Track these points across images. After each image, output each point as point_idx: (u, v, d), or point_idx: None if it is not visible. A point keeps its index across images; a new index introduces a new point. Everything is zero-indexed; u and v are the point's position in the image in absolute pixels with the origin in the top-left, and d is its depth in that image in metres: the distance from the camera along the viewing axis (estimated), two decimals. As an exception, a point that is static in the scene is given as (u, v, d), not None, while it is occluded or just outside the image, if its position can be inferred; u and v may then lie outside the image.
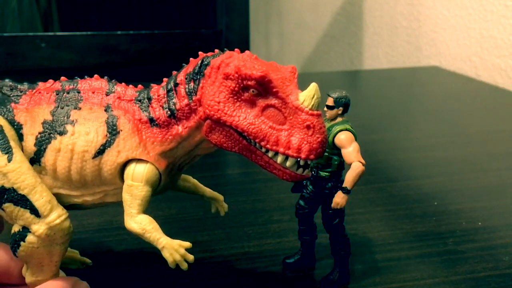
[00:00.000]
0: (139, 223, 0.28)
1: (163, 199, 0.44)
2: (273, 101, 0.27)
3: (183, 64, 0.30)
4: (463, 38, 1.01)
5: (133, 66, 1.05)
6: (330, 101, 0.32)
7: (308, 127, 0.26)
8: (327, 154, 0.32)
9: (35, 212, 0.27)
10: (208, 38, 1.09)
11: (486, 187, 0.48)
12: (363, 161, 0.30)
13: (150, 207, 0.29)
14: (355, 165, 0.30)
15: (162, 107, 0.29)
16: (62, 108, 0.29)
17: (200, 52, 0.29)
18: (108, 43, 1.03)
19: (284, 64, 0.35)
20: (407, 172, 0.53)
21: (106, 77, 0.31)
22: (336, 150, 0.31)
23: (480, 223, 0.41)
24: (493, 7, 0.93)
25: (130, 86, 0.31)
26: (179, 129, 0.29)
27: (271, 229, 0.41)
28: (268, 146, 0.26)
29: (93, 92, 0.30)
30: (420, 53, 1.15)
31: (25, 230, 0.27)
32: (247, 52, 0.29)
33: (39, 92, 0.30)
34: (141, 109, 0.29)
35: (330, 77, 1.01)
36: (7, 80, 0.30)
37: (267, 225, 0.41)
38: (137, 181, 0.28)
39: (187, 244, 0.28)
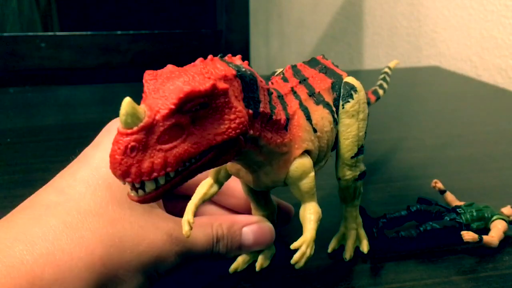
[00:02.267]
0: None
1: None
2: None
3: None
4: (463, 38, 1.01)
5: (133, 66, 1.05)
6: None
7: None
8: None
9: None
10: (208, 38, 1.09)
11: (486, 187, 0.48)
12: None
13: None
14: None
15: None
16: None
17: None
18: (108, 43, 1.03)
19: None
20: (407, 172, 0.53)
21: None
22: None
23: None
24: (493, 7, 0.93)
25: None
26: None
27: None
28: None
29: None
30: (420, 53, 1.15)
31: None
32: None
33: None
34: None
35: (330, 77, 1.00)
36: None
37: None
38: None
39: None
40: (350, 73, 0.36)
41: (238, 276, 0.34)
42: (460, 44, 1.02)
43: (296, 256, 0.28)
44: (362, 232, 0.37)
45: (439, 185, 0.42)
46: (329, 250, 0.37)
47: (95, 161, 0.30)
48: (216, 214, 0.35)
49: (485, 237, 0.36)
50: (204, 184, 0.31)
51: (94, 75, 1.14)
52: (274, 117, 0.27)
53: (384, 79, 0.48)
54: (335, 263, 0.36)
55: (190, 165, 0.23)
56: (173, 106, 0.21)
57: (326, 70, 0.34)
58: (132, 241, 0.27)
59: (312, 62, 0.35)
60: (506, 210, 0.39)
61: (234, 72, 0.24)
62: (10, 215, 0.28)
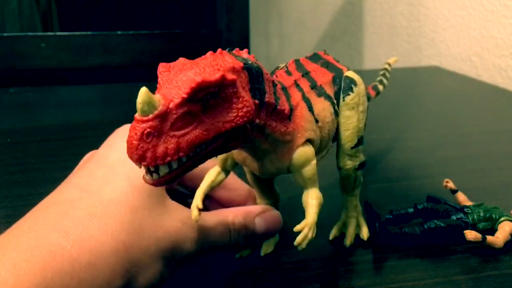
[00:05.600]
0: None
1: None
2: None
3: None
4: (463, 38, 1.01)
5: (133, 66, 1.05)
6: None
7: None
8: None
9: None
10: (208, 38, 1.09)
11: (486, 187, 0.48)
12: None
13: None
14: None
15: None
16: None
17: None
18: (108, 43, 1.03)
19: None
20: (407, 172, 0.53)
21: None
22: None
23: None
24: (493, 7, 0.93)
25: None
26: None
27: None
28: None
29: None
30: (420, 53, 1.15)
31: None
32: None
33: None
34: None
35: (330, 77, 1.00)
36: None
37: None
38: None
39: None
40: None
41: (241, 270, 0.34)
42: (460, 44, 1.02)
43: (298, 238, 0.30)
44: (362, 220, 0.39)
45: (450, 184, 0.42)
46: (330, 237, 0.39)
47: (111, 161, 0.32)
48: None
49: (488, 237, 0.36)
50: (212, 172, 0.33)
51: (94, 75, 1.14)
52: (278, 107, 0.29)
53: (384, 75, 0.49)
54: (336, 262, 0.36)
55: (200, 151, 0.24)
56: (185, 95, 0.23)
57: (327, 65, 0.36)
58: (151, 228, 0.29)
59: (314, 57, 0.37)
60: None
61: (241, 64, 0.26)
62: (35, 211, 0.29)
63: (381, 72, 0.50)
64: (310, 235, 0.30)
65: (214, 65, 0.24)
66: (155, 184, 0.24)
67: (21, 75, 1.06)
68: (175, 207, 0.31)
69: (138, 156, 0.23)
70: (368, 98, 0.44)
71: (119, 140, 0.34)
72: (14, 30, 1.43)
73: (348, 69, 0.37)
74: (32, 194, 0.46)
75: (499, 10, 0.92)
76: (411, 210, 0.39)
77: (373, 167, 0.54)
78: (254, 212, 0.34)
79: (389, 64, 0.51)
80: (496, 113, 0.74)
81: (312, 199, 0.31)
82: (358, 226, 0.39)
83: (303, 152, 0.31)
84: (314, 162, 0.31)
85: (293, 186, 0.46)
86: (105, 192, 0.29)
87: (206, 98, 0.24)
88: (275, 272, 0.35)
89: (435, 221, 0.37)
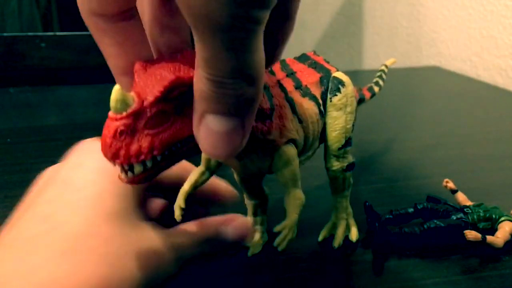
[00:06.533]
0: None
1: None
2: None
3: None
4: (463, 38, 1.01)
5: (133, 66, 1.05)
6: None
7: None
8: None
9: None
10: (208, 38, 1.09)
11: (486, 187, 0.48)
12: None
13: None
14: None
15: None
16: None
17: None
18: (108, 43, 1.02)
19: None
20: (407, 172, 0.53)
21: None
22: None
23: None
24: (493, 7, 0.93)
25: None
26: None
27: (270, 229, 0.41)
28: None
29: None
30: (420, 53, 1.15)
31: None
32: None
33: None
34: None
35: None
36: None
37: (268, 227, 0.41)
38: None
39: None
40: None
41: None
42: (460, 44, 1.03)
43: (278, 239, 0.30)
44: (352, 222, 0.39)
45: (450, 184, 0.42)
46: (320, 238, 0.39)
47: (76, 184, 0.29)
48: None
49: (488, 237, 0.36)
50: (196, 172, 0.33)
51: (94, 75, 1.14)
52: (259, 106, 0.28)
53: (380, 76, 0.49)
54: (335, 262, 0.36)
55: (176, 150, 0.24)
56: (159, 94, 0.23)
57: (315, 65, 0.36)
58: (130, 257, 0.27)
59: (302, 58, 0.37)
60: None
61: None
62: None
63: (378, 74, 0.49)
64: (289, 236, 0.30)
65: (190, 63, 0.24)
66: (130, 182, 0.23)
67: (21, 75, 1.06)
68: (150, 229, 0.29)
69: (111, 154, 0.22)
70: (363, 100, 0.44)
71: (83, 158, 0.31)
72: (14, 30, 1.43)
73: (337, 70, 0.37)
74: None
75: (499, 10, 0.92)
76: (411, 210, 0.39)
77: (373, 167, 0.54)
78: (225, 222, 0.33)
79: (386, 66, 0.51)
80: (496, 113, 0.74)
81: (293, 200, 0.31)
82: (348, 228, 0.39)
83: (284, 152, 0.30)
84: (296, 162, 0.31)
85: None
86: (73, 223, 0.27)
87: (181, 96, 0.23)
88: (274, 272, 0.35)
89: (435, 221, 0.37)
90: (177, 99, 0.23)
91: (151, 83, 0.23)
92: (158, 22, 0.24)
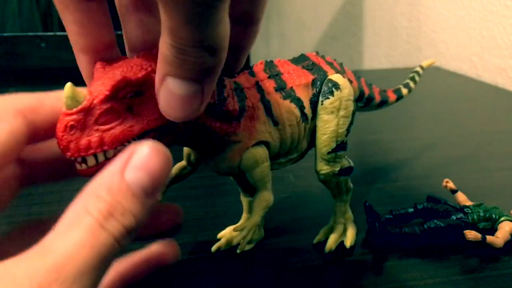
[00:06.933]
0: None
1: (163, 199, 0.44)
2: None
3: None
4: (463, 38, 1.01)
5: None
6: None
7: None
8: None
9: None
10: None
11: (486, 187, 0.48)
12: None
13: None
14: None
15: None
16: None
17: None
18: (108, 43, 1.02)
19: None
20: (407, 172, 0.53)
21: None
22: None
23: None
24: (493, 7, 0.93)
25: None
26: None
27: (270, 229, 0.41)
28: None
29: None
30: (420, 53, 1.15)
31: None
32: None
33: None
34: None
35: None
36: None
37: (266, 225, 0.41)
38: None
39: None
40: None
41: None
42: (460, 44, 1.03)
43: (236, 239, 0.30)
44: (350, 227, 0.38)
45: (450, 184, 0.42)
46: (314, 241, 0.38)
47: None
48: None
49: (488, 237, 0.36)
50: (177, 166, 0.34)
51: (94, 75, 1.13)
52: (224, 108, 0.29)
53: (412, 78, 0.48)
54: (335, 262, 0.36)
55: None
56: (107, 92, 0.24)
57: (312, 67, 0.35)
58: None
59: (300, 59, 0.36)
60: None
61: None
62: None
63: (411, 75, 0.48)
64: (248, 237, 0.30)
65: (143, 64, 0.25)
66: (84, 173, 0.24)
67: (21, 75, 1.06)
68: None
69: (63, 147, 0.24)
70: (386, 102, 0.43)
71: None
72: (14, 30, 1.43)
73: (339, 72, 0.36)
74: (32, 194, 0.46)
75: (499, 10, 0.92)
76: (411, 210, 0.39)
77: (373, 167, 0.54)
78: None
79: (422, 67, 0.49)
80: (496, 113, 0.74)
81: (259, 201, 0.31)
82: (344, 234, 0.38)
83: (252, 154, 0.31)
84: (265, 164, 0.31)
85: (285, 185, 0.47)
86: None
87: (131, 96, 0.24)
88: (273, 272, 0.35)
89: (435, 221, 0.37)
90: (127, 97, 0.24)
91: (103, 82, 0.24)
92: None
